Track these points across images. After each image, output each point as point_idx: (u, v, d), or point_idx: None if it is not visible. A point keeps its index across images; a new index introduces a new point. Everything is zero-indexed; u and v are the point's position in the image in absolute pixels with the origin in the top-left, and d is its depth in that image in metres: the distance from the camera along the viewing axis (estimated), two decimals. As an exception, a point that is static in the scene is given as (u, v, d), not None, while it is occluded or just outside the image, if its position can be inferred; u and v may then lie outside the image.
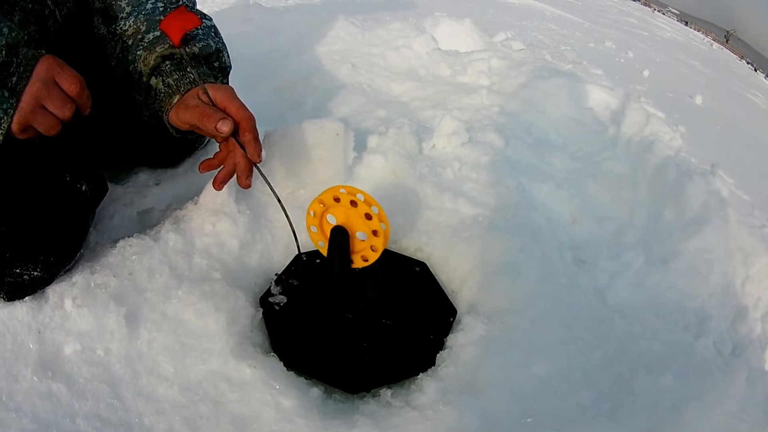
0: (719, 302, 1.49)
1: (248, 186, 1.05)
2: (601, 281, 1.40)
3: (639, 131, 2.07)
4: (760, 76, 11.72)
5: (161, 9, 1.19)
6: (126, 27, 1.19)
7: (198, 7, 1.39)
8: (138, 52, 1.14)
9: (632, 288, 1.45)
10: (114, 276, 1.03)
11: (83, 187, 1.06)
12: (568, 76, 2.33)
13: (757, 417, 1.02)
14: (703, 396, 0.97)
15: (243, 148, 1.01)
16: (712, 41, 16.44)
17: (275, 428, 0.82)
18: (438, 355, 0.98)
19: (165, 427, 0.85)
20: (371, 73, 2.15)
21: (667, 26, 9.45)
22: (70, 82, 0.93)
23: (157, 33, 1.15)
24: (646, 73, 3.69)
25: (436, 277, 1.18)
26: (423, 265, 1.19)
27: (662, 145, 1.96)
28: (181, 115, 1.04)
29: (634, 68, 3.82)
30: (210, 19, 1.24)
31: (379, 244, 0.95)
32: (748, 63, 14.37)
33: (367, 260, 0.99)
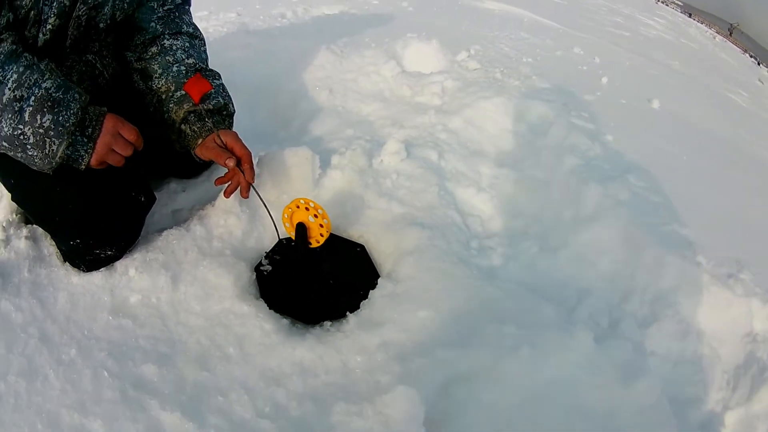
0: (607, 286, 1.83)
1: (246, 197, 1.60)
2: (497, 263, 1.82)
3: (561, 142, 2.42)
4: (763, 70, 11.75)
5: (184, 73, 1.65)
6: (159, 85, 1.66)
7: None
8: (170, 105, 1.63)
9: (523, 269, 1.84)
10: (161, 253, 1.57)
11: (141, 198, 1.60)
12: (510, 93, 2.73)
13: (604, 370, 1.40)
14: (539, 341, 1.38)
15: (243, 173, 1.56)
16: (716, 34, 16.36)
17: (260, 341, 1.38)
18: (362, 303, 1.53)
19: (194, 341, 1.39)
20: (345, 96, 2.63)
21: (657, 24, 9.50)
22: (129, 133, 1.44)
23: (182, 92, 1.62)
24: (604, 80, 3.89)
25: (370, 254, 1.73)
26: (362, 247, 1.74)
27: (578, 154, 2.32)
28: (203, 153, 1.58)
29: (595, 75, 4.03)
30: (219, 78, 1.72)
31: (325, 232, 1.51)
32: (751, 56, 14.30)
33: (319, 242, 1.54)
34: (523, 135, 2.53)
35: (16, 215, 1.79)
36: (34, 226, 1.74)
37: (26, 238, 1.70)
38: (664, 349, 1.68)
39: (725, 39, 16.31)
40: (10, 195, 1.67)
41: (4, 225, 1.74)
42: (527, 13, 5.79)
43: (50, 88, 1.35)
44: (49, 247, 1.69)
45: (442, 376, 1.27)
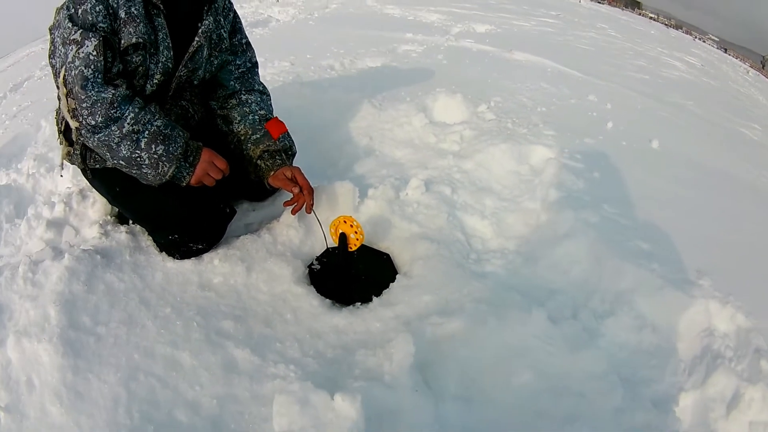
0: (574, 288, 2.18)
1: (310, 213, 2.15)
2: (488, 270, 2.26)
3: (551, 179, 2.79)
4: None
5: (258, 120, 2.19)
6: (239, 129, 2.19)
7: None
8: (248, 145, 2.17)
9: (509, 275, 2.24)
10: (239, 250, 2.17)
11: (227, 209, 2.17)
12: (516, 140, 3.18)
13: (557, 341, 1.87)
14: (502, 316, 1.90)
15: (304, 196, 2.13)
16: (749, 68, 16.43)
17: (309, 311, 1.97)
18: (384, 291, 2.11)
19: (262, 311, 1.96)
20: (382, 143, 3.17)
21: (681, 65, 9.59)
22: (221, 163, 2.00)
23: (258, 135, 2.14)
24: (609, 124, 4.12)
25: (393, 259, 2.31)
26: (387, 255, 2.33)
27: (563, 188, 2.71)
28: (274, 182, 2.14)
29: (603, 120, 4.23)
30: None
31: (359, 241, 2.09)
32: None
33: (355, 247, 2.11)
34: (523, 174, 2.95)
35: (111, 216, 2.35)
36: (131, 224, 2.29)
37: (126, 233, 2.23)
38: (621, 338, 1.99)
39: (759, 72, 16.33)
40: (108, 200, 2.23)
41: (100, 223, 2.29)
42: (550, 62, 6.04)
43: (161, 126, 1.90)
44: (146, 240, 2.23)
45: (432, 333, 1.85)
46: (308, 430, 1.46)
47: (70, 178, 2.55)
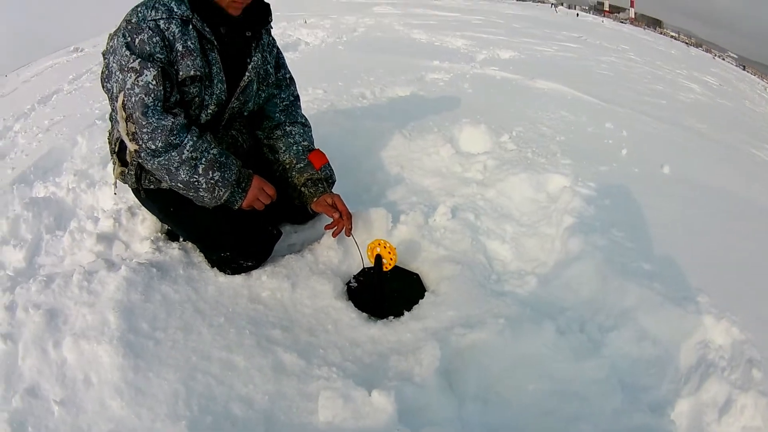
0: (585, 305, 2.33)
1: (349, 236, 2.39)
2: (506, 289, 2.46)
3: (566, 206, 2.95)
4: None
5: (302, 151, 2.41)
6: (284, 159, 2.39)
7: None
8: (293, 173, 2.39)
9: (526, 294, 2.44)
10: (284, 268, 2.42)
11: (274, 231, 2.42)
12: (535, 169, 3.41)
13: (564, 351, 2.08)
14: (517, 328, 2.10)
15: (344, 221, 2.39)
16: (767, 85, 16.39)
17: (348, 323, 2.22)
18: (414, 307, 2.37)
19: (306, 322, 2.19)
20: (412, 171, 3.40)
21: (698, 87, 9.68)
22: (270, 189, 2.23)
23: (302, 165, 2.35)
24: (624, 151, 4.25)
25: (422, 279, 2.58)
26: (417, 275, 2.60)
27: (575, 214, 2.85)
28: (317, 208, 2.39)
29: (618, 147, 4.37)
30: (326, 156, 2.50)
31: (393, 262, 2.36)
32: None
33: (389, 267, 2.37)
34: (540, 202, 3.17)
35: (161, 233, 2.56)
36: (182, 241, 2.48)
37: (178, 249, 2.45)
38: (623, 349, 2.12)
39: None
40: (160, 218, 2.42)
41: (152, 239, 2.50)
42: (570, 90, 6.19)
43: (216, 154, 2.09)
44: (197, 257, 2.44)
45: (456, 343, 2.10)
46: (349, 421, 1.74)
47: (113, 196, 2.76)
